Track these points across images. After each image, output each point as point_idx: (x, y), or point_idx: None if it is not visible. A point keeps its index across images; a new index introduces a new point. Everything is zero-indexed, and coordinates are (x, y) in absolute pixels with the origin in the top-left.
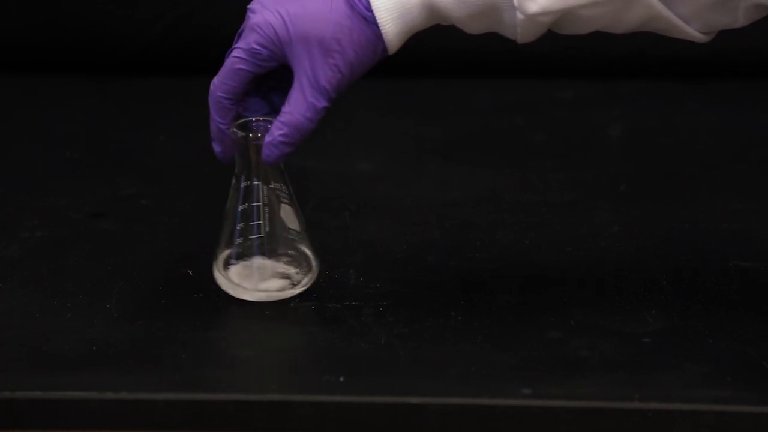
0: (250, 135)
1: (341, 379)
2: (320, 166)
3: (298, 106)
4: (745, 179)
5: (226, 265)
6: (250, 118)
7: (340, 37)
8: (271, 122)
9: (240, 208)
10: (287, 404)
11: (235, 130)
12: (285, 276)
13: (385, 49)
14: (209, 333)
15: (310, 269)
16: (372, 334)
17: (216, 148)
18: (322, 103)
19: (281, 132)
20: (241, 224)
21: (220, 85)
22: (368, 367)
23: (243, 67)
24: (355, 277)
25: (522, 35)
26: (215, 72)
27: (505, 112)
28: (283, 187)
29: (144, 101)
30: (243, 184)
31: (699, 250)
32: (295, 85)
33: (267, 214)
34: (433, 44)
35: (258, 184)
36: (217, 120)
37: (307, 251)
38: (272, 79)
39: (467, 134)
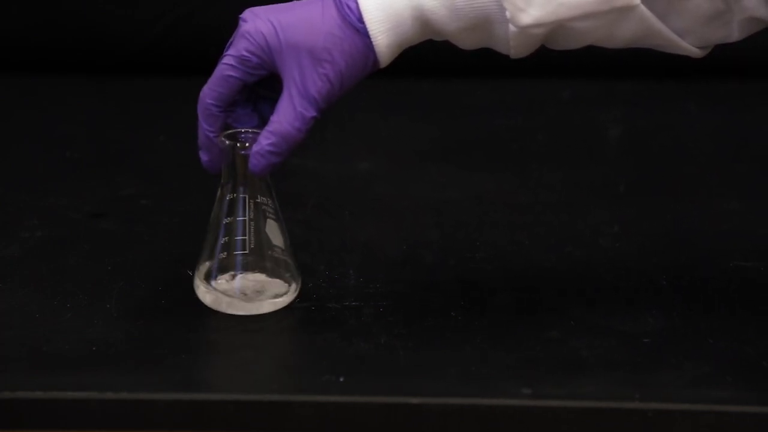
0: (238, 144)
1: (341, 379)
2: (319, 166)
3: (287, 116)
4: (745, 179)
5: (207, 278)
6: (239, 129)
7: (331, 47)
8: (259, 133)
9: (225, 221)
10: (287, 404)
11: (222, 138)
12: (266, 293)
13: (376, 61)
14: (209, 333)
15: (291, 286)
16: (372, 334)
17: (203, 157)
18: (311, 113)
19: (269, 141)
20: (225, 238)
21: (209, 92)
22: (368, 367)
23: (232, 74)
24: (355, 277)
25: (515, 49)
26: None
27: (503, 112)
28: (270, 202)
29: (144, 101)
30: (228, 197)
31: (699, 250)
32: (285, 94)
33: (252, 230)
34: (431, 44)
35: (244, 197)
36: (205, 127)
37: (291, 269)
38: (262, 89)
39: (466, 134)
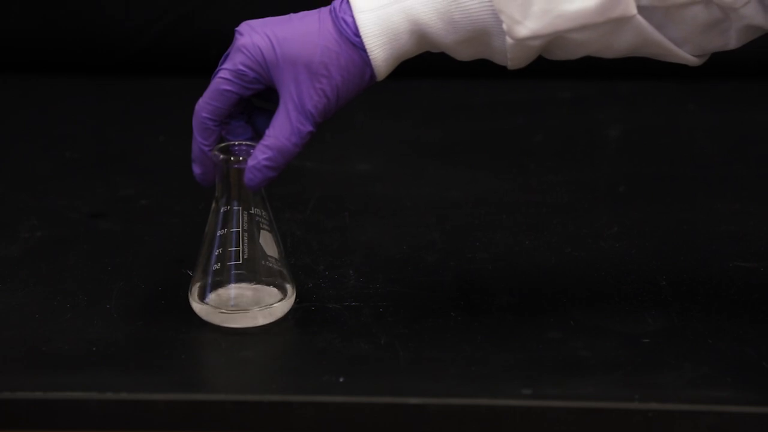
0: (232, 158)
1: (341, 379)
2: (320, 166)
3: (283, 130)
4: (745, 180)
5: (202, 292)
6: (233, 142)
7: (328, 62)
8: (253, 146)
9: (219, 233)
10: (287, 404)
11: (216, 152)
12: (261, 303)
13: (373, 75)
14: (209, 333)
15: (287, 296)
16: (372, 335)
17: (196, 170)
18: (307, 128)
19: (265, 156)
20: (219, 250)
21: (205, 105)
22: (368, 367)
23: (229, 88)
24: (355, 277)
25: (512, 60)
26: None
27: (504, 112)
28: (264, 213)
29: (144, 101)
30: (223, 209)
31: (698, 251)
32: (281, 109)
33: (246, 241)
34: None
35: (238, 209)
36: (200, 141)
37: (285, 280)
38: (257, 99)
39: (467, 135)
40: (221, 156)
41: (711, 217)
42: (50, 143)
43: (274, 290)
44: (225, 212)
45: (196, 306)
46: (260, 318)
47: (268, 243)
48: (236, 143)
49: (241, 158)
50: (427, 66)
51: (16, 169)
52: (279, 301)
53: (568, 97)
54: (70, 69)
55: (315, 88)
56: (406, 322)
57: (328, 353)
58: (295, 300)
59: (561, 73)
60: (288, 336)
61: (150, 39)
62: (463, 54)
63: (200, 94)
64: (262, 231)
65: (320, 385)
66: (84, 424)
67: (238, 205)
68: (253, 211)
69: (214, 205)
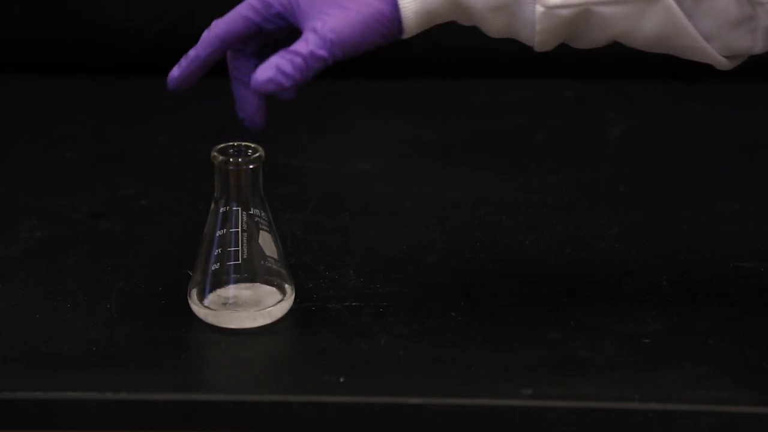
0: (231, 159)
1: (341, 380)
2: (320, 166)
3: (300, 49)
4: (746, 180)
5: (201, 293)
6: (232, 143)
7: (359, 1)
8: (252, 146)
9: (218, 233)
10: (287, 404)
11: (215, 153)
12: (260, 304)
13: (400, 28)
14: (209, 333)
15: (285, 298)
16: (372, 335)
17: (175, 72)
18: (320, 52)
19: (278, 62)
20: (218, 250)
21: (222, 24)
22: (368, 367)
23: (251, 15)
24: (355, 277)
25: (540, 34)
26: (216, 72)
27: (505, 112)
28: (263, 214)
29: (144, 101)
30: (222, 210)
31: (699, 251)
32: (300, 38)
33: (245, 241)
34: (432, 44)
35: (237, 210)
36: (199, 50)
37: (284, 280)
38: (279, 46)
39: (467, 135)
40: (220, 157)
41: (711, 217)
42: (50, 143)
43: (273, 290)
44: (224, 212)
45: (195, 306)
46: (259, 318)
47: (267, 243)
48: (235, 144)
49: (240, 159)
50: (427, 66)
51: (16, 169)
52: (278, 301)
53: (569, 96)
54: (70, 69)
55: (340, 19)
56: (406, 322)
57: (328, 353)
58: (295, 300)
59: (563, 73)
60: (288, 336)
61: (150, 39)
62: (492, 25)
63: (200, 95)
64: (261, 231)
65: (320, 385)
66: (84, 424)
67: (237, 206)
68: (252, 212)
69: (213, 205)
